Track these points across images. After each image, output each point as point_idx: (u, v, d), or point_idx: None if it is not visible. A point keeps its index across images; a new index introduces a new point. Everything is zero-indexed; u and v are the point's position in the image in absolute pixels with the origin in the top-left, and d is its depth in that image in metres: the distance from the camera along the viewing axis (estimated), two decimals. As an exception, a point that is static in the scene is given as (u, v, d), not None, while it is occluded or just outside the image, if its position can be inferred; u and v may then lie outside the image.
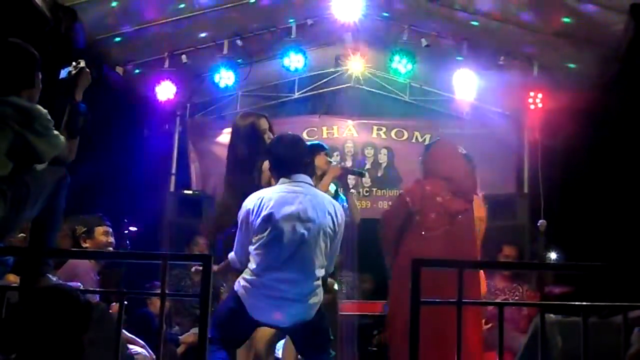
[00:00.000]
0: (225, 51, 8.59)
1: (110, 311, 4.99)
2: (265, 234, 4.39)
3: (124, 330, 4.40)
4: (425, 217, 5.53)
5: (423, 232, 5.52)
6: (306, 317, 4.44)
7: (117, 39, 7.87)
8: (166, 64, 8.59)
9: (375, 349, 7.90)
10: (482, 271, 6.26)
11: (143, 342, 5.49)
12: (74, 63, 4.20)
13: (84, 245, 5.52)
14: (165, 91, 8.62)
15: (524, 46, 8.16)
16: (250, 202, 4.51)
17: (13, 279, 4.11)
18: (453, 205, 5.51)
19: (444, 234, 5.45)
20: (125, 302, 3.52)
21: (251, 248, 4.45)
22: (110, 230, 5.68)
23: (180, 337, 6.94)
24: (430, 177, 5.71)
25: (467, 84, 8.53)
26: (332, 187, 5.80)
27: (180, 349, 6.76)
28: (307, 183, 4.62)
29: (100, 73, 7.55)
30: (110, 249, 5.58)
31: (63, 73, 4.20)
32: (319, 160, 5.76)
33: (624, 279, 4.01)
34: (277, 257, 4.37)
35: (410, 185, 5.86)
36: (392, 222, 5.80)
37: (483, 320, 5.99)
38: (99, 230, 5.60)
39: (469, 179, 5.76)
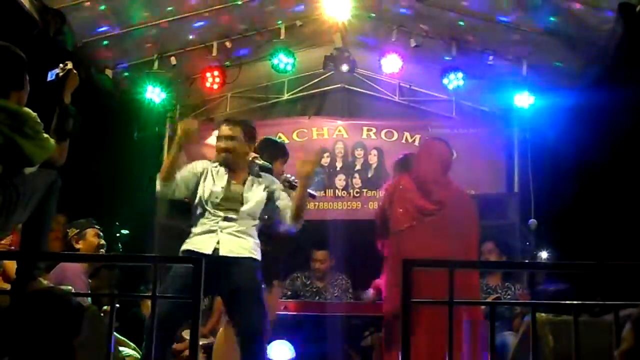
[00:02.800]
0: (214, 53, 8.57)
1: (102, 314, 4.98)
2: None
3: (115, 333, 4.39)
4: (394, 212, 5.55)
5: (391, 228, 5.56)
6: None
7: (106, 41, 7.85)
8: (155, 66, 8.57)
9: (370, 347, 7.88)
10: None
11: (134, 345, 5.47)
12: (60, 65, 4.15)
13: (77, 246, 5.55)
14: (155, 93, 8.60)
15: (512, 45, 8.17)
16: None
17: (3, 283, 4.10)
18: (419, 202, 5.52)
19: (409, 230, 5.44)
20: (117, 305, 3.51)
21: None
22: (101, 232, 5.72)
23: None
24: (408, 173, 5.75)
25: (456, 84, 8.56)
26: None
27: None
28: None
29: (90, 75, 7.52)
30: (103, 250, 5.61)
31: (50, 75, 4.15)
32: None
33: (615, 277, 4.02)
34: None
35: (391, 181, 5.88)
36: (377, 220, 5.84)
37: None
38: (91, 232, 5.64)
39: (436, 184, 5.71)
